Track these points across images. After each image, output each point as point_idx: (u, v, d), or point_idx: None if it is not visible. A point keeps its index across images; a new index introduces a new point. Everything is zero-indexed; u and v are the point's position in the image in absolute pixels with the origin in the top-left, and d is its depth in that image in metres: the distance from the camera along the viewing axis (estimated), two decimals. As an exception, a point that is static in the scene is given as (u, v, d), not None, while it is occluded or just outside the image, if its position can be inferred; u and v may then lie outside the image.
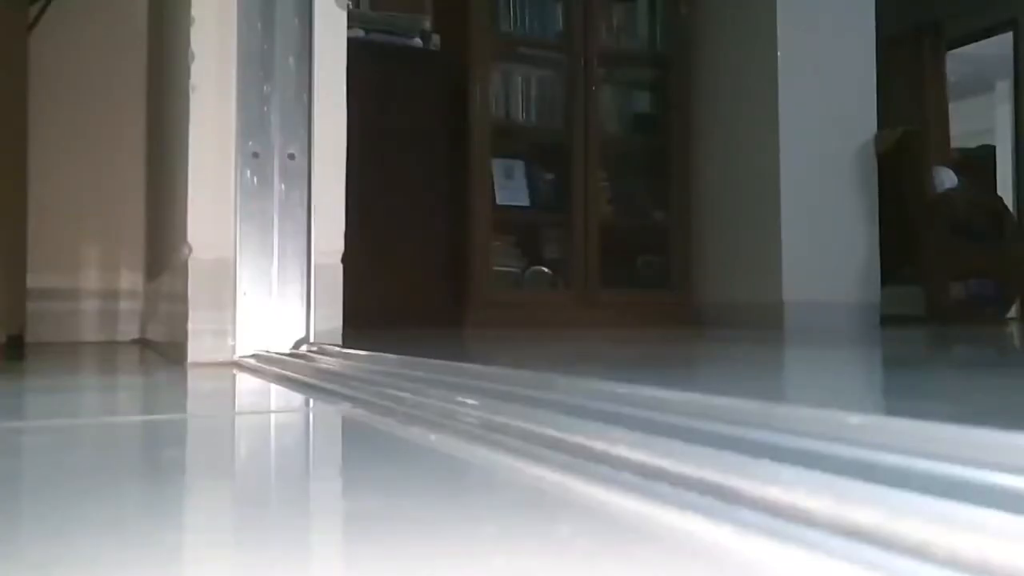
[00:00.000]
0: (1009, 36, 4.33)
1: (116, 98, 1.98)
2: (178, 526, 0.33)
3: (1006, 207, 3.31)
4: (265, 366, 1.00)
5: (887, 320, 2.88)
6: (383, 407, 0.59)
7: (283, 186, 1.15)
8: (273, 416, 0.68)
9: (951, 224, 3.00)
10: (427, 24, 2.80)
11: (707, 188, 3.04)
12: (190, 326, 1.11)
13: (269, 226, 1.14)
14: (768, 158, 2.76)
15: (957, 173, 3.12)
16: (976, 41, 4.44)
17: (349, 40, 1.24)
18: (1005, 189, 4.28)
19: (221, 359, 1.11)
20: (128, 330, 1.96)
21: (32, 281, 1.77)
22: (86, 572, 0.25)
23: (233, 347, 1.12)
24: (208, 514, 0.35)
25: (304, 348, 1.11)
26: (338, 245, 1.19)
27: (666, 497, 0.31)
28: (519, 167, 2.94)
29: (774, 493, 0.28)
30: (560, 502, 0.34)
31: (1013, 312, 3.29)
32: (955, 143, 4.09)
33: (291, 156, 1.16)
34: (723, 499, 0.29)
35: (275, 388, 0.84)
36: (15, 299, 1.64)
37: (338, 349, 1.06)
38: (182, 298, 1.13)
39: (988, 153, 4.51)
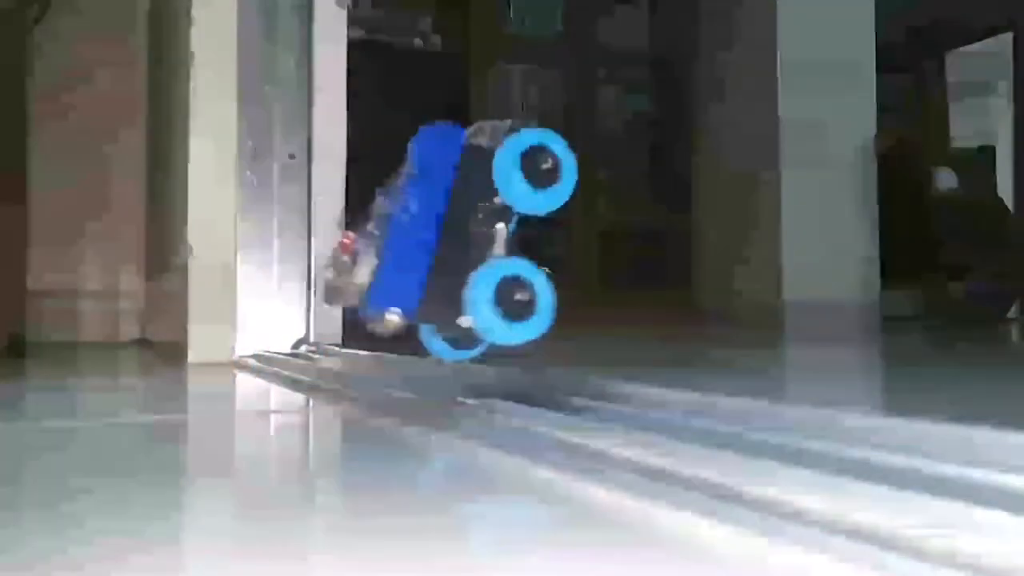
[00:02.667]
0: (1009, 36, 4.33)
1: (116, 98, 1.98)
2: (178, 526, 0.33)
3: (1006, 207, 3.30)
4: (265, 366, 1.00)
5: (887, 320, 2.88)
6: (383, 407, 0.59)
7: (283, 186, 1.15)
8: (273, 416, 0.68)
9: (951, 224, 3.00)
10: (427, 24, 2.80)
11: (707, 188, 3.04)
12: (190, 326, 1.11)
13: (269, 226, 1.14)
14: (768, 158, 2.76)
15: (957, 173, 3.12)
16: (976, 41, 4.44)
17: (349, 40, 1.24)
18: (1005, 189, 4.27)
19: (221, 359, 1.11)
20: (128, 330, 1.96)
21: (32, 281, 1.77)
22: (86, 572, 0.25)
23: (233, 347, 1.12)
24: (208, 514, 0.35)
25: (304, 348, 1.11)
26: (338, 245, 1.19)
27: (666, 497, 0.31)
28: (519, 167, 2.95)
29: (774, 493, 0.28)
30: (560, 502, 0.34)
31: (1013, 312, 3.28)
32: (955, 143, 4.09)
33: (291, 156, 1.16)
34: (723, 499, 0.29)
35: (275, 388, 0.84)
36: (15, 299, 1.64)
37: (338, 349, 1.06)
38: (182, 298, 1.13)
39: (988, 153, 4.51)
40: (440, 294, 0.59)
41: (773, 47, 2.76)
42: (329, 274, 0.62)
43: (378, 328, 0.59)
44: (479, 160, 0.59)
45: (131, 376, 1.10)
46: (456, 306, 0.59)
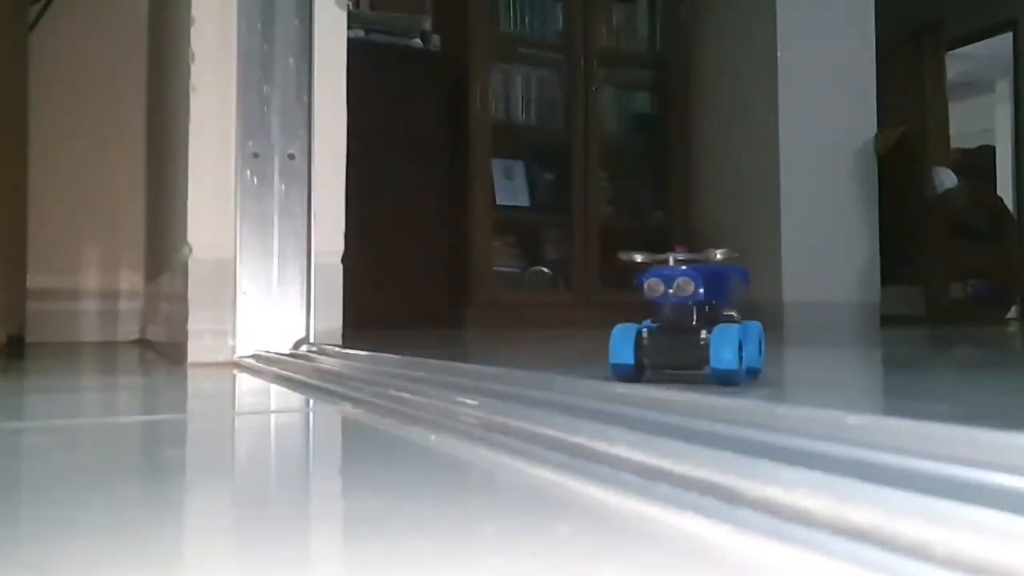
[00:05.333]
0: (1009, 36, 4.33)
1: (116, 98, 1.98)
2: (178, 526, 0.33)
3: (1006, 207, 3.30)
4: (265, 366, 1.00)
5: (887, 320, 2.88)
6: (383, 407, 0.59)
7: (283, 186, 1.15)
8: (273, 416, 0.68)
9: (951, 224, 3.00)
10: (427, 24, 2.80)
11: (707, 188, 3.04)
12: (190, 326, 1.11)
13: (269, 226, 1.14)
14: (768, 158, 2.76)
15: (957, 173, 3.12)
16: (976, 41, 4.44)
17: (349, 40, 1.24)
18: (1005, 189, 4.27)
19: (221, 359, 1.11)
20: (128, 330, 1.96)
21: (32, 281, 1.77)
22: (85, 572, 0.25)
23: (233, 347, 1.12)
24: (208, 515, 0.35)
25: (304, 348, 1.11)
26: (338, 245, 1.19)
27: (666, 497, 0.31)
28: (519, 167, 2.94)
29: (774, 493, 0.28)
30: (560, 502, 0.34)
31: (1013, 312, 3.29)
32: (955, 143, 4.09)
33: (291, 156, 1.16)
34: (723, 499, 0.29)
35: (275, 388, 0.84)
36: (15, 299, 1.64)
37: (338, 349, 1.06)
38: (182, 298, 1.13)
39: (988, 153, 4.51)
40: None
41: (773, 47, 2.76)
42: (625, 255, 0.92)
43: (656, 294, 0.85)
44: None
45: (131, 376, 1.10)
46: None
